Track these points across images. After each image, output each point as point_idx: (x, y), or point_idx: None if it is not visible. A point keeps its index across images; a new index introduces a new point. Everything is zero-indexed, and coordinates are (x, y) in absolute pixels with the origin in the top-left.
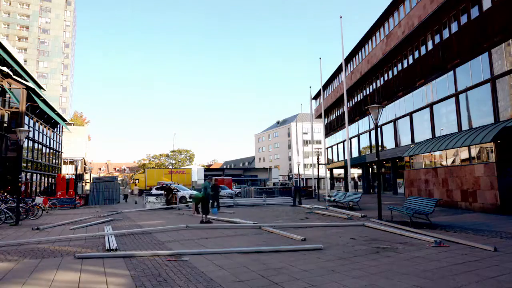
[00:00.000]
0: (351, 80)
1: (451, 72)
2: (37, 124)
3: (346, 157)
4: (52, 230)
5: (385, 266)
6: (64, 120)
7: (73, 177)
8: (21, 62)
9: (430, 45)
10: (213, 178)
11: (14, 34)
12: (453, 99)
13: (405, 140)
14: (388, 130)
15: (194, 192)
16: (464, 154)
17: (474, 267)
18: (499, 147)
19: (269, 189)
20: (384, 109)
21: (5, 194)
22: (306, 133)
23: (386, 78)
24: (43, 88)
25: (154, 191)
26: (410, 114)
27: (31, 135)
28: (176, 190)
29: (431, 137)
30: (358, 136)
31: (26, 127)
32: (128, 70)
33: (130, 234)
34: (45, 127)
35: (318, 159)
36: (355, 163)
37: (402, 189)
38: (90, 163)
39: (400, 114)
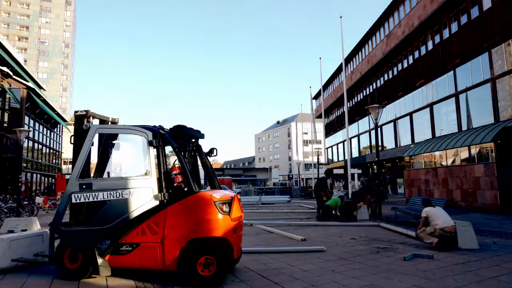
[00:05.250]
0: (351, 80)
1: (451, 72)
2: (37, 124)
3: (346, 157)
4: None
5: (385, 266)
6: (64, 120)
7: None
8: (21, 62)
9: (430, 45)
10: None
11: (14, 34)
12: (453, 99)
13: (405, 140)
14: (388, 130)
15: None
16: (464, 154)
17: (474, 267)
18: (499, 147)
19: (269, 189)
20: (384, 109)
21: (6, 195)
22: (306, 133)
23: (386, 78)
24: (43, 88)
25: None
26: (410, 114)
27: (31, 135)
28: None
29: (431, 137)
30: (358, 136)
31: (26, 127)
32: (128, 70)
33: None
34: (45, 127)
35: (318, 159)
36: (355, 163)
37: (402, 189)
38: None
39: (400, 114)
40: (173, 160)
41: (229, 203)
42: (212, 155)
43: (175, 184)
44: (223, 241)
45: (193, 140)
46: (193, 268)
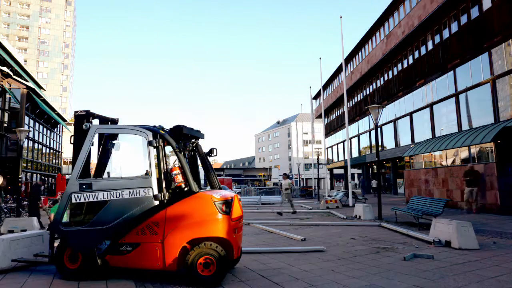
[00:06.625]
0: (351, 80)
1: (451, 72)
2: (37, 124)
3: (346, 157)
4: None
5: (385, 266)
6: (64, 120)
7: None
8: (21, 62)
9: (430, 45)
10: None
11: (14, 34)
12: (453, 99)
13: (405, 140)
14: (388, 130)
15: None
16: (464, 154)
17: (474, 267)
18: (499, 147)
19: (269, 189)
20: (384, 109)
21: (6, 195)
22: (306, 133)
23: (386, 78)
24: (43, 88)
25: None
26: (410, 114)
27: (31, 135)
28: None
29: (431, 137)
30: (358, 136)
31: (26, 127)
32: (127, 70)
33: None
34: (45, 127)
35: (318, 159)
36: (355, 163)
37: (402, 189)
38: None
39: (400, 114)
40: (173, 160)
41: (229, 203)
42: (212, 155)
43: (175, 184)
44: (223, 241)
45: (193, 140)
46: (193, 268)
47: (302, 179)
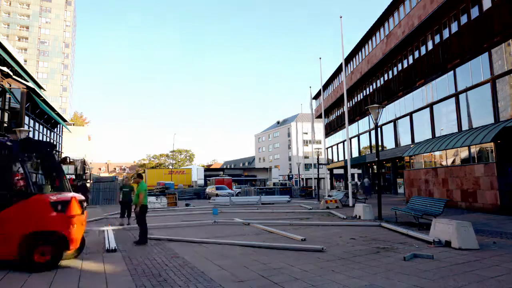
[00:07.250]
0: (351, 80)
1: (451, 72)
2: (37, 124)
3: (346, 157)
4: None
5: (385, 266)
6: (64, 120)
7: (73, 177)
8: (21, 62)
9: (430, 45)
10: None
11: (14, 34)
12: (453, 99)
13: (405, 140)
14: (388, 130)
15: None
16: (464, 154)
17: (474, 267)
18: (499, 147)
19: (269, 189)
20: (384, 109)
21: None
22: (306, 133)
23: (386, 78)
24: (43, 88)
25: None
26: (410, 114)
27: (31, 135)
28: None
29: (431, 137)
30: (358, 136)
31: (26, 127)
32: (128, 70)
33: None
34: (45, 127)
35: (318, 159)
36: (355, 163)
37: (402, 189)
38: (90, 163)
39: (400, 114)
40: (18, 167)
41: (65, 203)
42: (66, 163)
43: (17, 188)
44: (58, 233)
45: (48, 149)
46: (29, 256)
47: (302, 179)
